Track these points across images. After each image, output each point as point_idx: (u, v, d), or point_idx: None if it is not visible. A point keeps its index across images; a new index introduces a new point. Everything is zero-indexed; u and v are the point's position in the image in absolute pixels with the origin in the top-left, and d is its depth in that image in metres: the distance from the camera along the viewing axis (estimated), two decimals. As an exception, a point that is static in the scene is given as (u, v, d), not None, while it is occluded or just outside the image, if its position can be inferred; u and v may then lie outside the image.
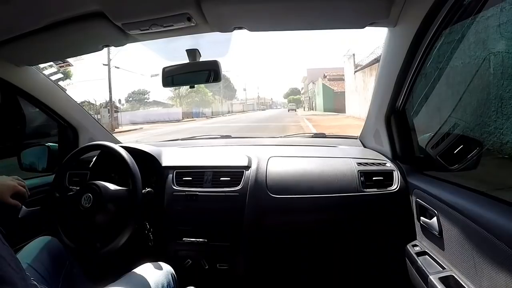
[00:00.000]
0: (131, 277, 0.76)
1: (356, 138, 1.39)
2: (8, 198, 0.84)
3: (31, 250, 0.80)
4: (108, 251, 0.85)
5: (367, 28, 0.88)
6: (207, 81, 1.06)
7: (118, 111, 21.71)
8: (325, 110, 23.46)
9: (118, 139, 1.49)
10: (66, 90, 1.43)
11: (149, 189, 0.97)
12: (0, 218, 0.84)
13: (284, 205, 1.02)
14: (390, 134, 1.06)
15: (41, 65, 1.27)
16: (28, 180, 0.95)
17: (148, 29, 0.85)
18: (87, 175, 1.14)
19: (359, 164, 1.08)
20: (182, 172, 1.12)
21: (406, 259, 0.89)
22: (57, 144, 1.30)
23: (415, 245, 0.88)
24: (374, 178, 1.02)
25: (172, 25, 0.84)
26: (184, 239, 1.05)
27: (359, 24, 0.88)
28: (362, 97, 12.88)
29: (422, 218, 0.86)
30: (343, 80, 18.64)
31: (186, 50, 1.04)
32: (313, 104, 31.86)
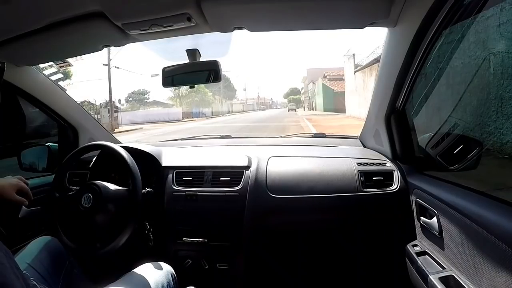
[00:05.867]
0: (131, 277, 0.76)
1: (356, 138, 1.39)
2: (14, 194, 0.84)
3: (31, 250, 0.80)
4: (108, 251, 0.85)
5: (367, 28, 0.88)
6: (207, 81, 1.06)
7: (118, 111, 21.71)
8: (325, 110, 23.46)
9: (118, 139, 1.49)
10: (66, 90, 1.43)
11: (149, 189, 0.97)
12: (2, 217, 0.84)
13: (284, 205, 1.02)
14: (390, 134, 1.06)
15: (41, 65, 1.27)
16: (28, 180, 0.95)
17: (148, 29, 0.85)
18: (87, 175, 1.14)
19: (359, 164, 1.08)
20: (182, 172, 1.12)
21: (406, 259, 0.89)
22: (57, 144, 1.30)
23: (415, 245, 0.88)
24: (374, 178, 1.02)
25: (172, 25, 0.84)
26: (184, 239, 1.05)
27: (359, 24, 0.88)
28: (362, 97, 12.87)
29: (422, 218, 0.86)
30: (343, 80, 18.63)
31: (186, 50, 1.04)
32: (313, 104, 31.86)
